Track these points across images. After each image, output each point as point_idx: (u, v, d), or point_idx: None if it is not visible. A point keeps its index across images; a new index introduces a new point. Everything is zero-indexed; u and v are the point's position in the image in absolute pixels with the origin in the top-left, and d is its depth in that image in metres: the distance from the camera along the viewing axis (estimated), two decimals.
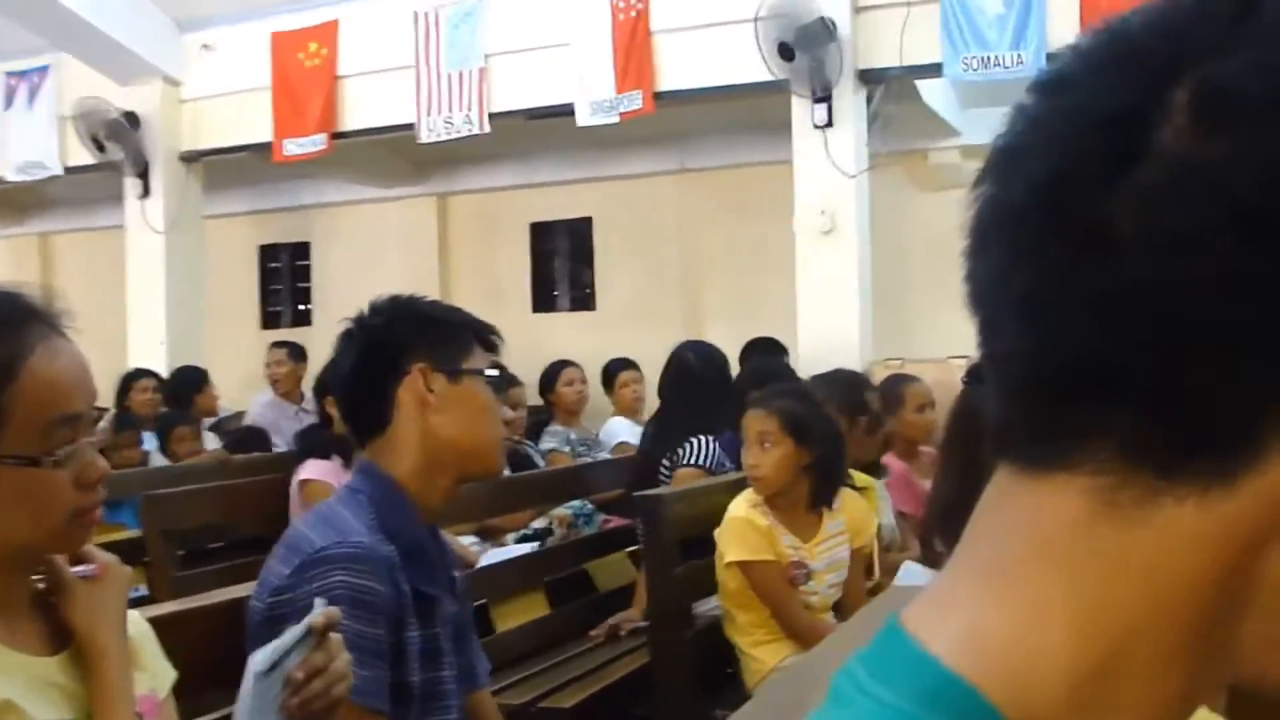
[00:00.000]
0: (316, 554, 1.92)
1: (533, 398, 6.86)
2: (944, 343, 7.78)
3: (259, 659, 1.53)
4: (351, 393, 2.18)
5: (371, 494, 2.07)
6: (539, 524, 4.98)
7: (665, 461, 4.54)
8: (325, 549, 1.93)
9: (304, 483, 4.47)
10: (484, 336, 2.21)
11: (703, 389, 4.69)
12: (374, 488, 2.08)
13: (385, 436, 2.12)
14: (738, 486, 3.63)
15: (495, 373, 2.18)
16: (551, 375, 6.85)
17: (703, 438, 4.48)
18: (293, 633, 1.60)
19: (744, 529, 3.43)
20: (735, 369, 5.58)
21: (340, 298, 9.83)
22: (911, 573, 3.30)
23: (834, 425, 3.66)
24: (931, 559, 2.74)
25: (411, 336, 2.13)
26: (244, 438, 6.42)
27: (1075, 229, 0.48)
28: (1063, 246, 0.49)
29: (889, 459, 4.66)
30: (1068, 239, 0.49)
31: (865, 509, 3.72)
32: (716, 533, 3.51)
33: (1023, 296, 0.50)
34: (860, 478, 4.00)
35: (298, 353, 7.95)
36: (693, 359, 4.84)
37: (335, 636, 1.67)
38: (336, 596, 1.84)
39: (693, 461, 4.45)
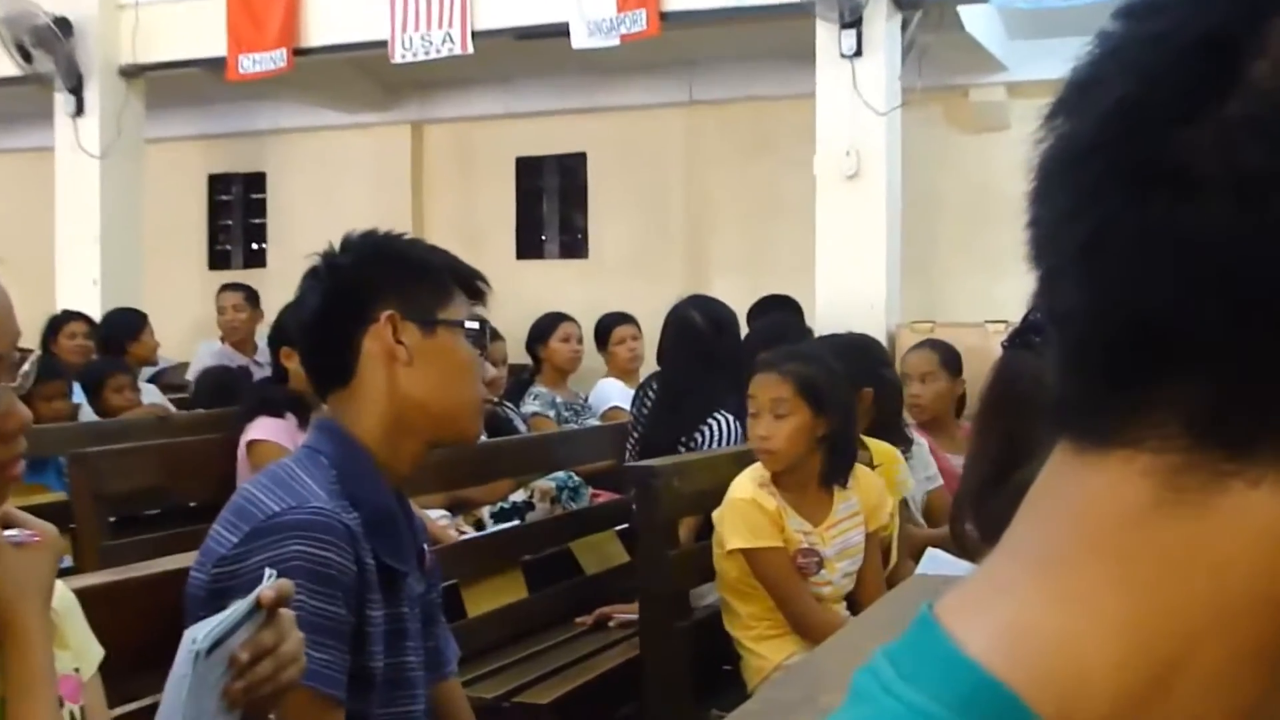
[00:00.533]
0: (269, 520, 1.92)
1: (515, 354, 6.85)
2: (979, 305, 7.80)
3: (199, 636, 1.52)
4: (314, 339, 2.17)
5: (332, 455, 2.07)
6: (518, 497, 4.99)
7: (681, 448, 4.50)
8: (280, 514, 1.93)
9: (253, 443, 4.46)
10: (468, 282, 2.20)
11: (712, 356, 4.64)
12: (335, 448, 2.08)
13: (348, 390, 2.12)
14: (745, 459, 3.63)
15: (476, 325, 2.17)
16: (545, 328, 6.83)
17: (722, 417, 4.44)
18: (238, 607, 1.59)
19: (749, 512, 3.43)
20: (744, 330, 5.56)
21: (298, 236, 9.80)
22: (936, 560, 3.31)
23: (851, 392, 3.66)
24: (960, 543, 2.73)
25: (382, 278, 2.12)
26: (217, 384, 6.36)
27: (1147, 167, 0.48)
28: (1131, 187, 0.49)
29: (916, 431, 4.69)
30: (1138, 179, 0.48)
31: (880, 488, 3.72)
32: (716, 515, 3.51)
33: (1085, 244, 0.50)
34: (880, 451, 4.01)
35: (254, 297, 7.94)
36: (699, 319, 4.74)
37: (287, 613, 1.66)
38: (291, 568, 1.84)
39: (716, 446, 4.41)
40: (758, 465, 3.51)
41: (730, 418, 4.40)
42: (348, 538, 1.94)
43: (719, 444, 4.39)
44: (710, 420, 4.44)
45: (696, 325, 4.72)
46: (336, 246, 2.17)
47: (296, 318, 2.22)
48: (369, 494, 2.05)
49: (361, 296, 2.11)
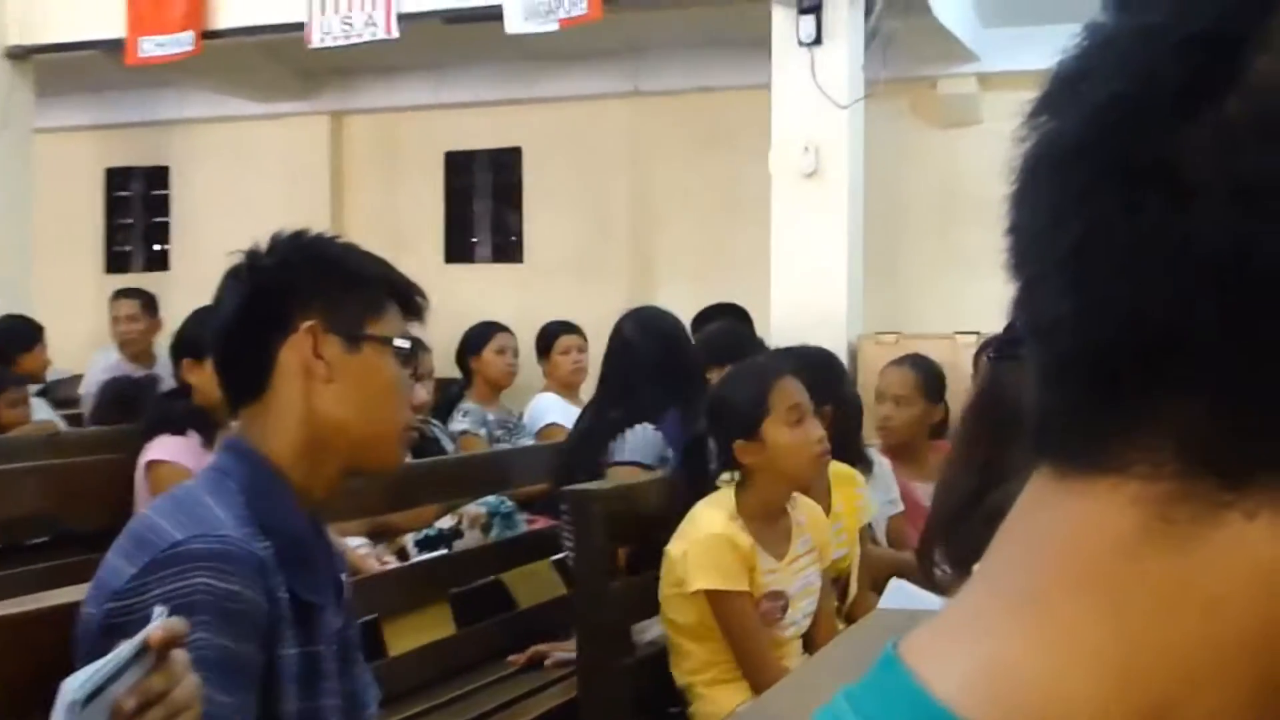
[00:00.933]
0: (171, 549, 1.90)
1: (443, 367, 6.83)
2: (949, 315, 7.85)
3: (73, 685, 1.50)
4: (228, 347, 2.16)
5: (241, 477, 2.05)
6: (446, 523, 4.97)
7: (600, 459, 4.53)
8: (182, 543, 1.90)
9: (152, 464, 4.41)
10: (404, 297, 2.19)
11: (641, 368, 4.69)
12: (244, 470, 2.06)
13: (261, 404, 2.11)
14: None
15: (407, 344, 2.16)
16: (477, 339, 6.82)
17: (640, 426, 4.49)
18: (122, 650, 1.57)
19: (720, 550, 3.40)
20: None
21: (205, 237, 9.77)
22: (901, 592, 3.32)
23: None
24: (929, 575, 2.74)
25: (308, 285, 2.11)
26: (118, 397, 6.27)
27: (1141, 169, 0.48)
28: (1124, 190, 0.49)
29: (878, 453, 4.71)
30: (1131, 181, 0.49)
31: (826, 525, 3.75)
32: (675, 550, 3.48)
33: (1073, 251, 0.50)
34: (837, 474, 4.03)
35: (152, 304, 7.86)
36: (628, 330, 4.81)
37: (180, 654, 1.64)
38: (195, 603, 1.82)
39: (629, 458, 4.46)
40: (725, 494, 3.49)
41: (649, 428, 4.46)
42: (258, 569, 1.92)
43: (634, 454, 4.43)
44: (627, 429, 4.48)
45: (631, 342, 4.76)
46: (262, 247, 2.15)
47: (212, 322, 2.20)
48: (281, 520, 2.03)
49: (283, 303, 2.10)
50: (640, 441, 4.46)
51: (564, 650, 4.37)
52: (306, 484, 2.10)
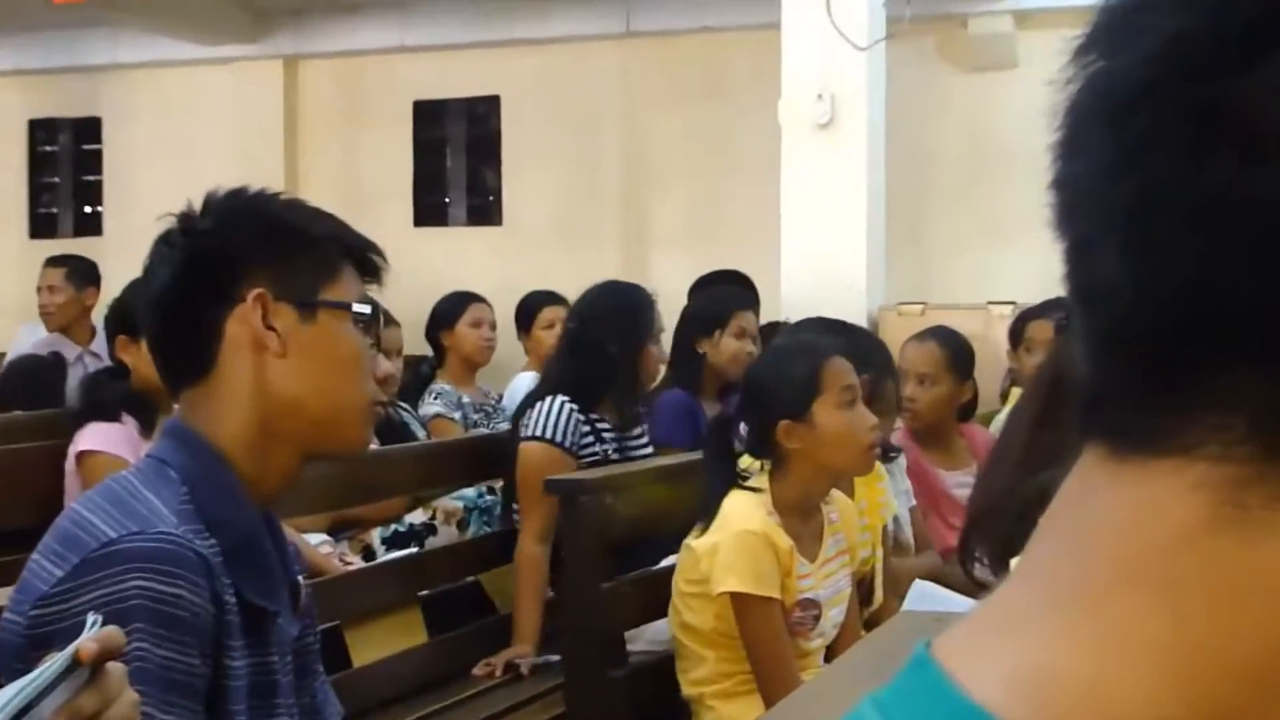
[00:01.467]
0: (104, 548, 1.90)
1: (413, 344, 6.83)
2: (981, 283, 7.86)
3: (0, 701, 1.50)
4: (164, 322, 2.16)
5: (184, 467, 2.05)
6: (417, 518, 4.98)
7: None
8: (117, 541, 1.90)
9: (83, 454, 4.42)
10: (359, 256, 2.19)
11: (597, 346, 4.82)
12: (187, 459, 2.06)
13: (205, 386, 2.10)
14: (695, 469, 3.64)
15: (367, 309, 2.17)
16: (450, 311, 6.82)
17: (555, 399, 4.61)
18: (51, 664, 1.57)
19: (758, 549, 3.39)
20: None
21: (143, 198, 9.73)
22: (925, 594, 3.33)
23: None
24: (969, 572, 2.71)
25: (252, 249, 2.11)
26: (28, 377, 6.26)
27: (1209, 118, 0.48)
28: (1190, 141, 0.49)
29: (901, 437, 4.72)
30: (1198, 131, 0.48)
31: (857, 522, 3.77)
32: (702, 543, 3.46)
33: (1128, 208, 0.50)
34: None
35: (84, 272, 7.84)
36: (595, 308, 4.97)
37: (115, 667, 1.64)
38: (131, 609, 1.82)
39: (537, 433, 4.57)
40: (761, 485, 3.49)
41: (561, 400, 4.59)
42: (202, 570, 1.92)
43: (544, 429, 4.56)
44: (541, 402, 4.64)
45: (588, 316, 4.93)
46: (196, 208, 2.15)
47: (145, 296, 2.20)
48: (230, 515, 2.03)
49: (225, 270, 2.10)
50: (550, 416, 4.59)
51: (519, 654, 4.39)
52: (259, 473, 2.10)
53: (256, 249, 2.11)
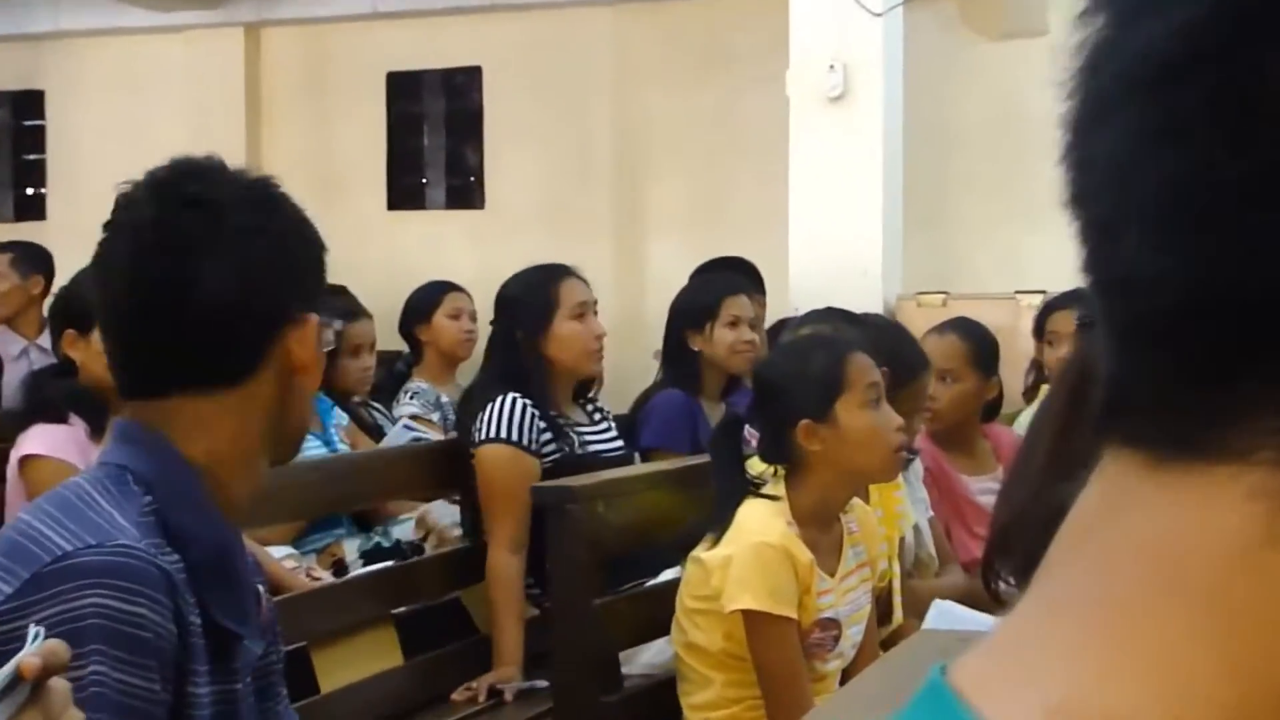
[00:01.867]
0: (58, 563, 1.90)
1: (386, 338, 6.82)
2: (1007, 270, 7.86)
3: None
4: (204, 320, 2.07)
5: (146, 474, 2.04)
6: (407, 534, 4.97)
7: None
8: (72, 555, 1.90)
9: (27, 459, 4.40)
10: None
11: (498, 337, 4.90)
12: (154, 466, 2.05)
13: (218, 397, 2.09)
14: (695, 474, 3.64)
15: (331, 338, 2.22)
16: (426, 302, 6.79)
17: (508, 396, 4.62)
18: None
19: (776, 564, 3.37)
20: None
21: (90, 178, 9.70)
22: (946, 614, 3.33)
23: None
24: (993, 591, 2.72)
25: (311, 263, 2.18)
26: None
27: (1259, 95, 0.48)
28: (1221, 119, 0.48)
29: (921, 440, 4.71)
30: (1245, 109, 0.48)
31: (877, 533, 3.77)
32: (713, 556, 3.44)
33: (1160, 191, 0.50)
34: None
35: (31, 258, 7.81)
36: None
37: (59, 684, 1.65)
38: (88, 628, 1.82)
39: (494, 434, 4.58)
40: (778, 492, 3.48)
41: (514, 397, 4.61)
42: (166, 588, 1.92)
43: (499, 429, 4.57)
44: (494, 400, 4.65)
45: (497, 305, 5.01)
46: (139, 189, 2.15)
47: (171, 277, 2.08)
48: (199, 530, 2.03)
49: (294, 280, 2.14)
50: (504, 415, 4.60)
51: (504, 678, 4.39)
52: (238, 488, 2.12)
53: (315, 264, 2.19)
